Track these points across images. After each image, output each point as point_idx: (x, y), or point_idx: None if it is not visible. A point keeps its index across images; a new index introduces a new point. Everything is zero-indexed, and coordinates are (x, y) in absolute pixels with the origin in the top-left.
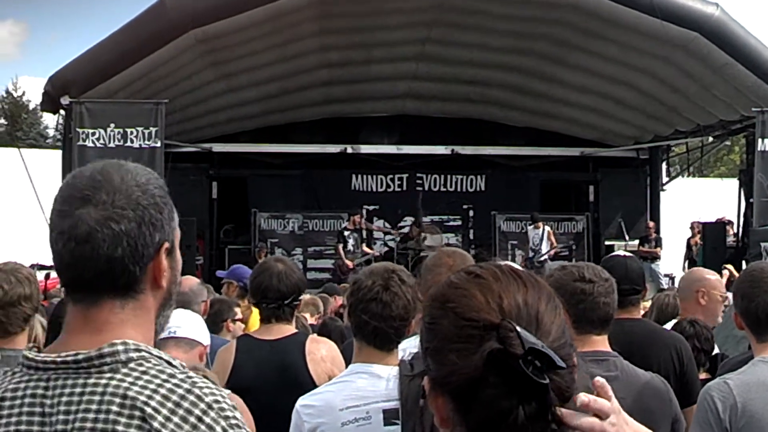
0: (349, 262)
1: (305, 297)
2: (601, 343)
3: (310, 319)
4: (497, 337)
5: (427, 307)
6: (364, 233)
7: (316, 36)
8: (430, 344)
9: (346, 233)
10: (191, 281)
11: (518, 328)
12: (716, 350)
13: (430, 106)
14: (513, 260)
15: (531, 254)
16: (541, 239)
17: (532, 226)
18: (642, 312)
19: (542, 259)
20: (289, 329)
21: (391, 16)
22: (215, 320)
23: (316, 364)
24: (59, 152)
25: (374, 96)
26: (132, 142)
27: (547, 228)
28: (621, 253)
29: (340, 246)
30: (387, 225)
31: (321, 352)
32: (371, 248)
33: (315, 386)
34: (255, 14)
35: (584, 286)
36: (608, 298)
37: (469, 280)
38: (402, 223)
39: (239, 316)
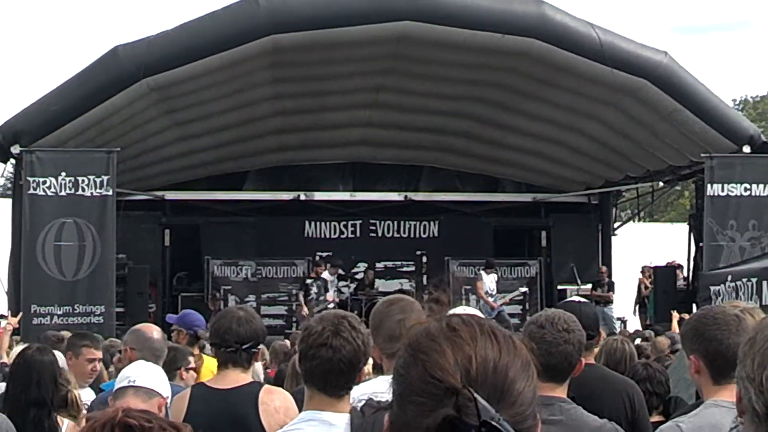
0: (305, 310)
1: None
2: (549, 390)
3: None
4: (455, 403)
5: (402, 350)
6: (329, 284)
7: (270, 84)
8: (397, 388)
9: (308, 281)
10: (156, 329)
11: (478, 398)
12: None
13: (384, 152)
14: (467, 305)
15: (491, 299)
16: (496, 285)
17: (484, 272)
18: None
19: (500, 303)
20: (244, 378)
21: (345, 65)
22: (170, 368)
23: (269, 416)
24: (8, 201)
25: (328, 143)
26: (83, 190)
27: (494, 277)
28: (575, 298)
29: (301, 294)
30: (341, 271)
31: (274, 403)
32: (332, 296)
33: None
34: (208, 63)
35: (536, 330)
36: (562, 347)
37: (445, 334)
38: (355, 270)
39: (192, 364)
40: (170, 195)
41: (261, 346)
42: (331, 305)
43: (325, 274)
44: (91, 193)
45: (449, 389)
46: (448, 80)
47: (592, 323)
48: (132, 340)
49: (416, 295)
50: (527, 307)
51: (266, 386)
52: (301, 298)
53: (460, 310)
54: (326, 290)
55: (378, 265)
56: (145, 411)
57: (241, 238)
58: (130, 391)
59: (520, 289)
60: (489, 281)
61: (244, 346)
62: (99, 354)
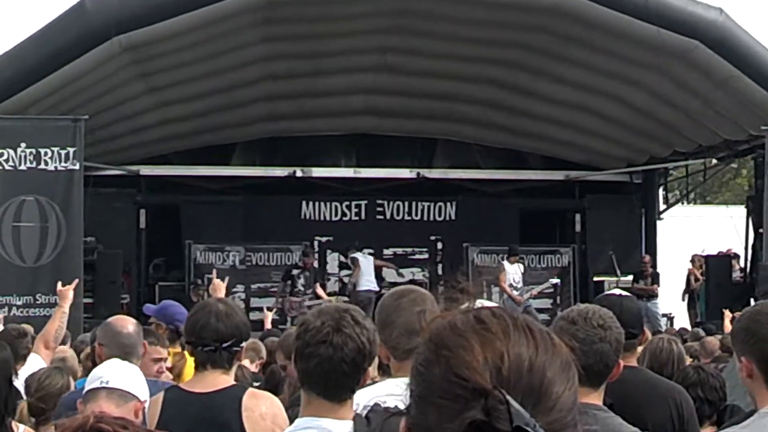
0: (287, 305)
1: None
2: (582, 395)
3: (251, 366)
4: (484, 406)
5: (422, 345)
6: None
7: (260, 43)
8: (416, 388)
9: (295, 271)
10: (130, 321)
11: (510, 401)
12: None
13: (392, 123)
14: (489, 299)
15: (516, 292)
16: (522, 276)
17: (507, 261)
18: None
19: (526, 296)
20: (226, 380)
21: (346, 22)
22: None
23: (254, 423)
24: None
25: (328, 112)
26: (46, 164)
27: (520, 267)
28: (615, 291)
29: (282, 285)
30: (342, 258)
31: (260, 408)
32: (325, 291)
33: None
34: (189, 19)
35: (567, 326)
36: (597, 346)
37: (473, 327)
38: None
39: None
40: (146, 170)
41: (245, 344)
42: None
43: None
44: (55, 167)
45: (477, 390)
46: (464, 40)
47: (634, 320)
48: (102, 335)
49: (430, 287)
50: (558, 301)
51: (251, 390)
52: (285, 290)
53: (480, 304)
54: (314, 281)
55: (386, 252)
56: (119, 417)
57: (228, 220)
58: (102, 393)
59: (551, 280)
60: (513, 272)
61: (225, 345)
62: (165, 353)
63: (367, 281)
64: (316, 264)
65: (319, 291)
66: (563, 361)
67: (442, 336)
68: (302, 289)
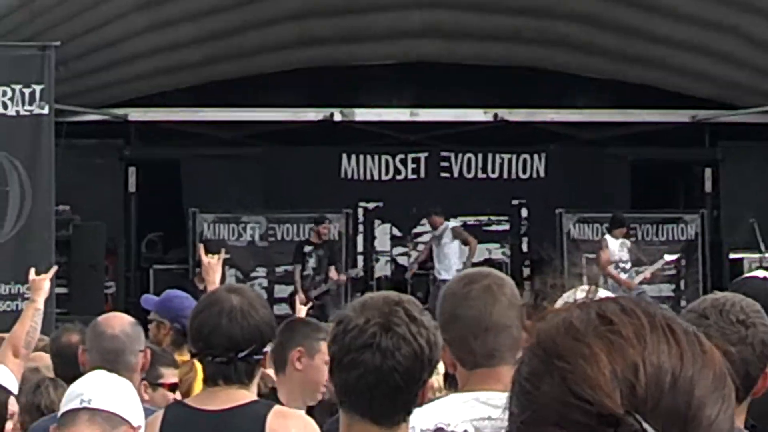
0: (301, 295)
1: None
2: None
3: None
4: None
5: (527, 353)
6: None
7: None
8: (519, 411)
9: (306, 249)
10: (122, 320)
11: (649, 429)
12: None
13: (461, 48)
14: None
15: (625, 275)
16: (630, 254)
17: (609, 235)
18: None
19: (638, 280)
20: (244, 396)
21: None
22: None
23: None
24: None
25: (375, 34)
26: (4, 107)
27: (627, 242)
28: (759, 273)
29: (297, 269)
30: (396, 231)
31: (289, 431)
32: (339, 273)
33: None
34: None
35: (696, 321)
36: (738, 349)
37: (596, 330)
38: (419, 229)
39: (172, 377)
40: (136, 114)
41: (268, 348)
42: (331, 285)
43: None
44: (17, 111)
45: (604, 416)
46: None
47: None
48: (87, 338)
49: (512, 270)
50: (683, 285)
51: (278, 407)
52: (297, 275)
53: (582, 293)
54: (331, 263)
55: (453, 220)
56: None
57: (245, 181)
58: (82, 416)
59: (665, 257)
60: (617, 248)
61: (242, 354)
62: (174, 376)
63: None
64: (335, 235)
65: (334, 276)
66: (716, 373)
67: (554, 341)
68: (312, 273)
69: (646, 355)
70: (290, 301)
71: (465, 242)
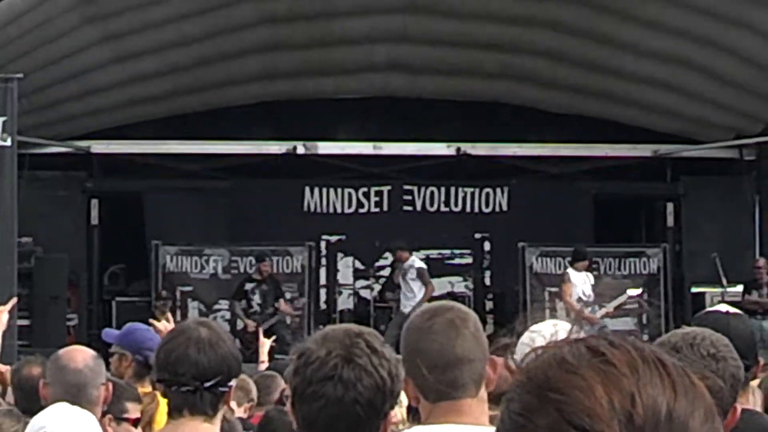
0: (250, 323)
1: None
2: None
3: (238, 411)
4: None
5: (516, 390)
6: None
7: None
8: None
9: (248, 286)
10: (84, 354)
11: None
12: None
13: (425, 83)
14: (555, 318)
15: (588, 309)
16: (594, 288)
17: (572, 268)
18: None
19: (600, 314)
20: (208, 429)
21: None
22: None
23: None
24: None
25: (341, 67)
26: None
27: (590, 276)
28: (722, 308)
29: (237, 305)
30: (359, 264)
31: None
32: (288, 304)
33: None
34: None
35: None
36: (709, 383)
37: (589, 362)
38: (382, 262)
39: (134, 412)
40: (99, 147)
41: (234, 382)
42: (286, 318)
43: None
44: None
45: None
46: None
47: (747, 346)
48: (48, 371)
49: (475, 304)
50: (645, 320)
51: None
52: (237, 310)
53: (547, 327)
54: (277, 298)
55: (416, 253)
56: None
57: (208, 214)
58: None
59: (628, 291)
60: (581, 282)
61: (208, 384)
62: (137, 411)
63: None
64: (297, 268)
65: (285, 308)
66: (707, 407)
67: (547, 374)
68: (258, 309)
69: (641, 386)
70: (242, 336)
71: (425, 284)
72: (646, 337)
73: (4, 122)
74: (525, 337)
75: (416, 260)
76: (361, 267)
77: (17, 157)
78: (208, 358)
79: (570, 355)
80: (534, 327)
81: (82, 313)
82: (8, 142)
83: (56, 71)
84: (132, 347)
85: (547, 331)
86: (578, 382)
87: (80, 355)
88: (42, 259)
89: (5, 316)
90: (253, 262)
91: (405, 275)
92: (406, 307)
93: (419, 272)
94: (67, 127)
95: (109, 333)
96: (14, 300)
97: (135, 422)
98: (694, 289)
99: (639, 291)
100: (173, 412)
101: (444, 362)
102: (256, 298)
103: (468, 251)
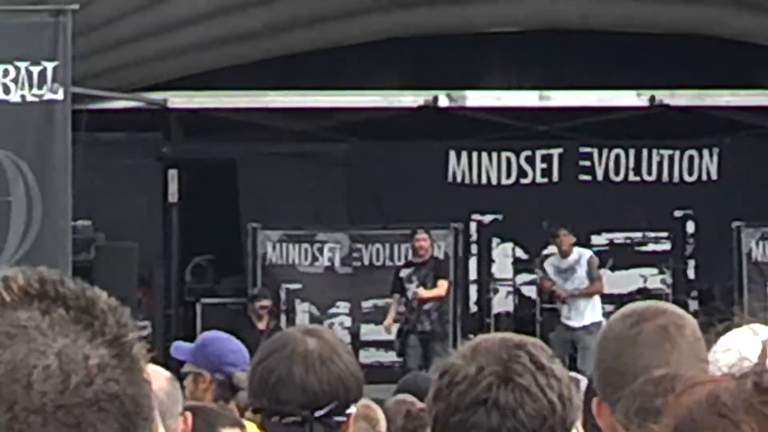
0: (390, 320)
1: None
2: None
3: None
4: None
5: None
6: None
7: None
8: None
9: (404, 273)
10: (158, 376)
11: None
12: None
13: (605, 12)
14: None
15: None
16: None
17: None
18: None
19: None
20: None
21: None
22: None
23: None
24: None
25: None
26: (7, 91)
27: None
28: None
29: (394, 300)
30: (520, 252)
31: None
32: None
33: None
34: None
35: None
36: None
37: (749, 406)
38: (549, 250)
39: None
40: (179, 100)
41: (353, 409)
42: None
43: None
44: (23, 97)
45: None
46: None
47: None
48: None
49: (675, 302)
50: None
51: None
52: (393, 306)
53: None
54: (434, 284)
55: (595, 239)
56: None
57: (321, 188)
58: None
59: None
60: None
61: (318, 413)
62: None
63: (590, 308)
64: (440, 255)
65: (424, 293)
66: None
67: (694, 420)
68: (415, 305)
69: None
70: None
71: (591, 280)
72: None
73: (54, 69)
74: (719, 348)
75: (585, 251)
76: (524, 256)
77: (72, 115)
78: (319, 378)
79: (728, 395)
80: (728, 337)
81: (158, 319)
82: (60, 95)
83: (121, 4)
84: (210, 364)
85: (744, 346)
86: (727, 428)
87: (159, 376)
88: (104, 249)
89: None
90: (380, 250)
91: (572, 274)
92: (569, 319)
93: (590, 265)
94: (136, 74)
95: (181, 347)
96: None
97: None
98: None
99: None
100: None
101: (657, 388)
102: (413, 285)
103: (665, 234)
